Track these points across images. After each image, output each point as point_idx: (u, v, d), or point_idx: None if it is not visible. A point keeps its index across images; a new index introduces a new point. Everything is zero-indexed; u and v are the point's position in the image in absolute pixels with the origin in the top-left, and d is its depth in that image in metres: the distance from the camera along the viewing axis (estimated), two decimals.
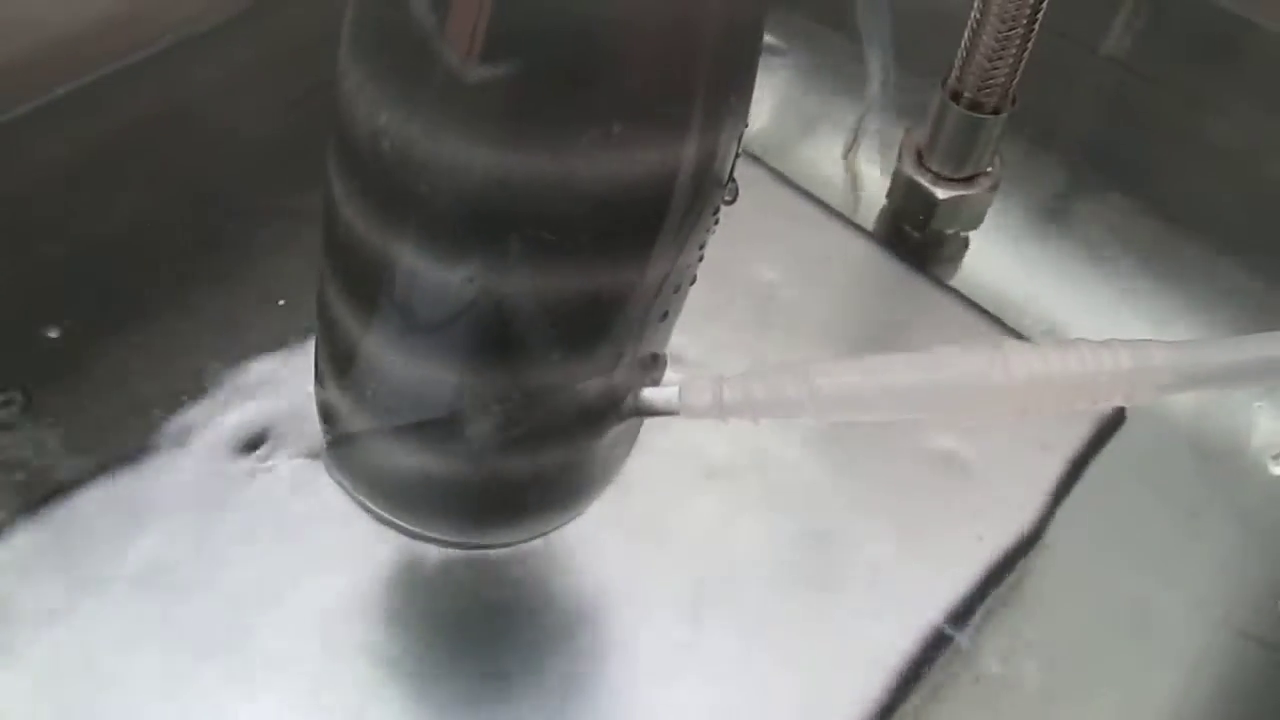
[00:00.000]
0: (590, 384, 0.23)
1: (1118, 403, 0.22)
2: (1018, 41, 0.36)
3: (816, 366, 0.23)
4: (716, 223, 0.23)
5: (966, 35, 0.37)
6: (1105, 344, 0.22)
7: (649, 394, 0.25)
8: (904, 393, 0.22)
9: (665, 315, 0.24)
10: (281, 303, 0.36)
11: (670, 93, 0.20)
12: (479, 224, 0.20)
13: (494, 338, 0.22)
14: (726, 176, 0.23)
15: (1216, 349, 0.21)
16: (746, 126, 0.22)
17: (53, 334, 0.35)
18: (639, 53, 0.20)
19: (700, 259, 0.24)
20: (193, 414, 0.33)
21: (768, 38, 0.49)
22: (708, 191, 0.22)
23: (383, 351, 0.23)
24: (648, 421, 0.27)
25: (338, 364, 0.25)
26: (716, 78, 0.20)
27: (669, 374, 0.26)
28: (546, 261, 0.21)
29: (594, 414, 0.24)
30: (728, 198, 0.23)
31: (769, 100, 0.48)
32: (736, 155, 0.23)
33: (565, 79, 0.19)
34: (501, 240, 0.21)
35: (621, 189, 0.20)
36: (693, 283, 0.24)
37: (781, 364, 0.23)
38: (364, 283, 0.23)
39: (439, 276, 0.21)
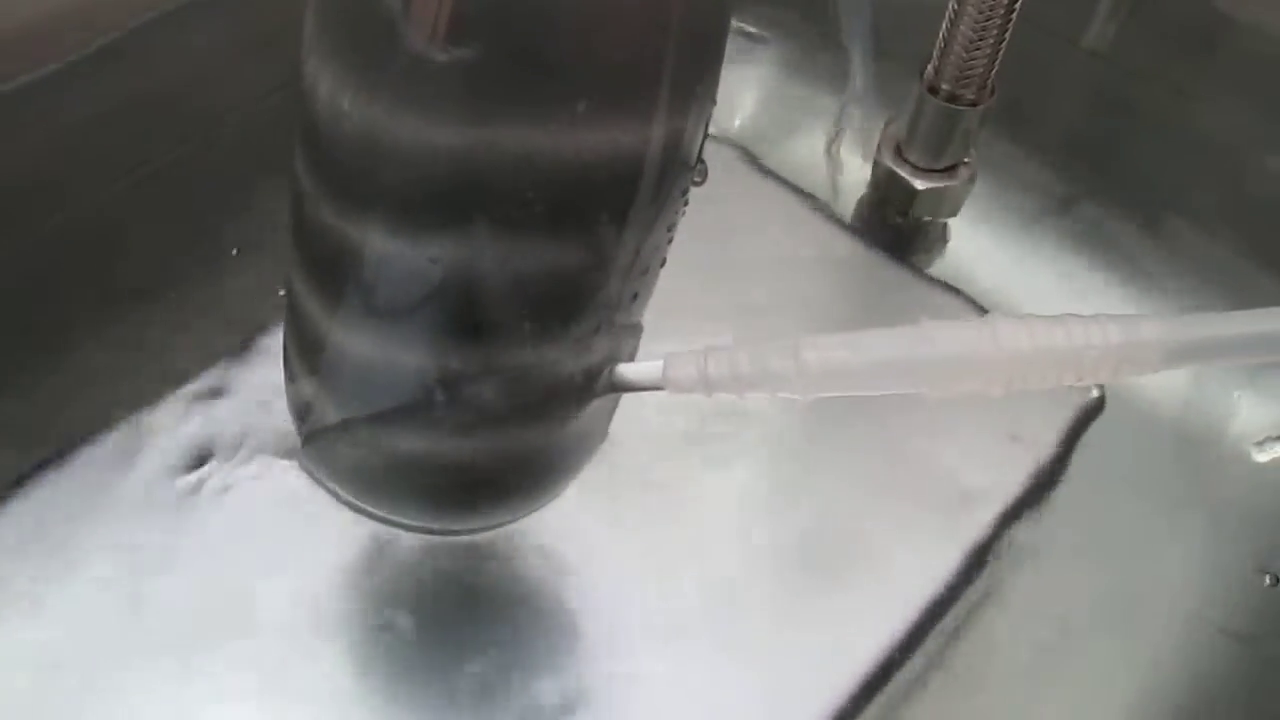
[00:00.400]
0: (562, 362, 0.23)
1: (1105, 379, 0.22)
2: (995, 33, 0.36)
3: (803, 340, 0.22)
4: (685, 204, 0.23)
5: (944, 27, 0.37)
6: (1094, 319, 0.22)
7: (631, 369, 0.24)
8: (891, 367, 0.22)
9: (635, 297, 0.24)
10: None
11: (635, 73, 0.20)
12: (443, 205, 0.20)
13: (461, 320, 0.22)
14: (695, 157, 0.23)
15: (1206, 324, 0.21)
16: (714, 105, 0.22)
17: (22, 323, 0.35)
18: (603, 32, 0.19)
19: (670, 240, 0.24)
20: (163, 408, 0.33)
21: (752, 29, 0.49)
22: (675, 172, 0.22)
23: (352, 338, 0.23)
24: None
25: (307, 355, 0.25)
26: (682, 57, 0.20)
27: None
28: (511, 242, 0.21)
29: (570, 390, 0.24)
30: (697, 179, 0.23)
31: (752, 92, 0.48)
32: (705, 136, 0.23)
33: (529, 58, 0.19)
34: (466, 221, 0.20)
35: (587, 169, 0.20)
36: (663, 264, 0.24)
37: (767, 339, 0.23)
38: (331, 269, 0.23)
39: (404, 259, 0.21)
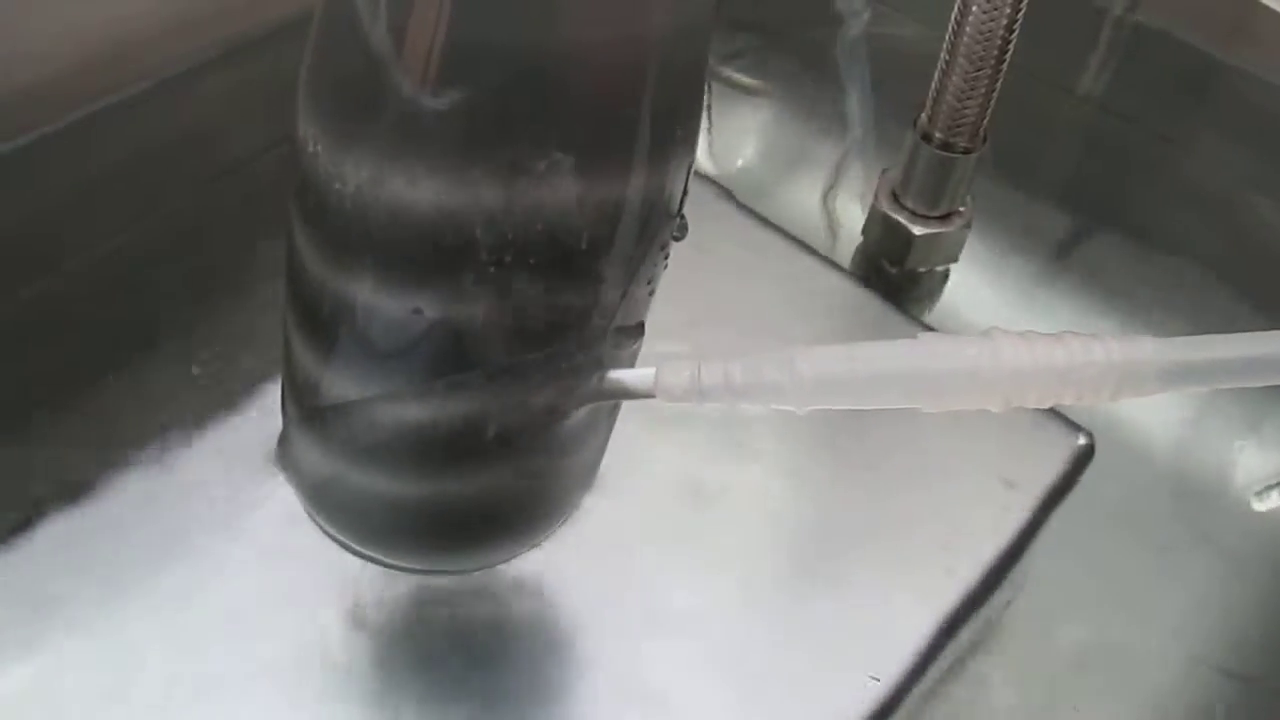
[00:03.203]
0: (547, 396, 0.23)
1: (1105, 399, 0.22)
2: (985, 82, 0.37)
3: (799, 351, 0.22)
4: (666, 258, 0.24)
5: (936, 77, 0.38)
6: (1095, 337, 0.21)
7: (624, 375, 0.24)
8: (888, 380, 0.22)
9: (618, 346, 0.24)
10: None
11: (618, 118, 0.21)
12: (422, 257, 0.21)
13: (445, 367, 0.22)
14: (677, 205, 0.23)
15: (1208, 346, 0.21)
16: (693, 162, 0.23)
17: (40, 368, 0.35)
18: (581, 93, 0.20)
19: (651, 294, 0.24)
20: (174, 453, 0.34)
21: (753, 81, 0.50)
22: (658, 221, 0.22)
23: (342, 381, 0.24)
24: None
25: (301, 398, 0.26)
26: (659, 115, 0.21)
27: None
28: (492, 295, 0.21)
29: (559, 410, 0.24)
30: (678, 234, 0.24)
31: (752, 141, 0.48)
32: (685, 192, 0.23)
33: (515, 100, 0.20)
34: (442, 275, 0.21)
35: (569, 220, 0.21)
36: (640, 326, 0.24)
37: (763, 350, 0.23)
38: (319, 316, 0.23)
39: (389, 307, 0.22)
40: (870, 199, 0.42)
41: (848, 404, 0.22)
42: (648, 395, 0.23)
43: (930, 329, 0.40)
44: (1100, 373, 0.21)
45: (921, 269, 0.42)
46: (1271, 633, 0.37)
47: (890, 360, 0.22)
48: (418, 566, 0.30)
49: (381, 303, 0.22)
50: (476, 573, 0.31)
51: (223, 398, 0.35)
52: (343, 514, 0.28)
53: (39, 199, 0.39)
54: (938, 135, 0.39)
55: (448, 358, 0.22)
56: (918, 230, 0.41)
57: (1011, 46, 0.36)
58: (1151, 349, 0.21)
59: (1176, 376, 0.21)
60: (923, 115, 0.39)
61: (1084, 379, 0.21)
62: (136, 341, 0.36)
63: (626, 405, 0.26)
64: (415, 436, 0.24)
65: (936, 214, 0.41)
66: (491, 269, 0.21)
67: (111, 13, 0.41)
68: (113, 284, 0.38)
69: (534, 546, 0.30)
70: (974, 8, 0.36)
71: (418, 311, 0.22)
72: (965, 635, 0.33)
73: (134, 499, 0.32)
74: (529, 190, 0.20)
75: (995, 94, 0.37)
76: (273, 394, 0.34)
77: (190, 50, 0.43)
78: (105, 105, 0.41)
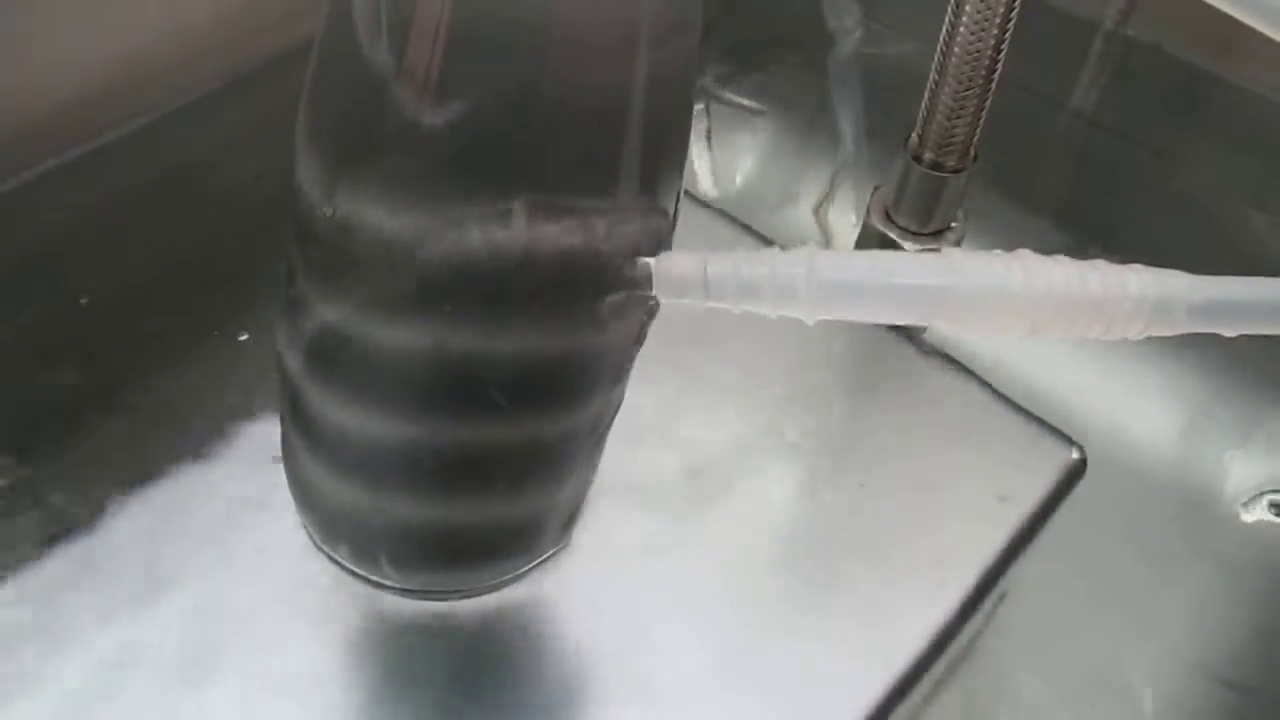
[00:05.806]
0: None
1: (1134, 333, 0.20)
2: (974, 102, 0.37)
3: (817, 251, 0.21)
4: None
5: (926, 97, 0.38)
6: (1129, 267, 0.20)
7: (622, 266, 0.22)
8: (909, 293, 0.20)
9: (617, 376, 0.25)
10: None
11: (601, 164, 0.21)
12: (403, 294, 0.21)
13: (434, 396, 0.23)
14: (665, 240, 0.24)
15: (1241, 286, 0.20)
16: (681, 191, 0.23)
17: (51, 396, 0.36)
18: (572, 130, 0.21)
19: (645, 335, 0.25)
20: (182, 480, 0.34)
21: (748, 103, 0.51)
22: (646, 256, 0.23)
23: (336, 411, 0.24)
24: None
25: (298, 426, 0.26)
26: (648, 147, 0.21)
27: None
28: (478, 331, 0.22)
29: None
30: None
31: (747, 161, 0.49)
32: (674, 221, 0.24)
33: (498, 153, 0.20)
34: (427, 310, 0.21)
35: (554, 257, 0.21)
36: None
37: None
38: (313, 347, 0.24)
39: (379, 342, 0.22)
40: (863, 216, 0.43)
41: (860, 315, 0.21)
42: (646, 290, 0.22)
43: (923, 340, 0.40)
44: (1134, 306, 0.20)
45: None
46: (1266, 641, 0.37)
47: (913, 272, 0.20)
48: (412, 586, 0.30)
49: (367, 334, 0.22)
50: (476, 595, 0.31)
51: (227, 418, 0.35)
52: (341, 530, 0.28)
53: (46, 232, 0.40)
54: (928, 155, 0.39)
55: (432, 388, 0.23)
56: (909, 247, 0.41)
57: (999, 66, 0.36)
58: (1186, 283, 0.20)
59: (1207, 314, 0.20)
60: (913, 135, 0.39)
61: (1116, 311, 0.20)
62: (143, 368, 0.37)
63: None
64: (404, 456, 0.25)
65: (928, 231, 0.41)
66: (480, 303, 0.21)
67: (115, 47, 0.42)
68: (120, 313, 0.39)
69: (536, 563, 0.30)
70: (961, 28, 0.36)
71: (401, 341, 0.22)
72: (956, 647, 0.33)
73: (139, 515, 0.33)
74: (519, 224, 0.21)
75: (984, 113, 0.38)
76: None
77: (194, 82, 0.44)
78: (110, 139, 0.42)
